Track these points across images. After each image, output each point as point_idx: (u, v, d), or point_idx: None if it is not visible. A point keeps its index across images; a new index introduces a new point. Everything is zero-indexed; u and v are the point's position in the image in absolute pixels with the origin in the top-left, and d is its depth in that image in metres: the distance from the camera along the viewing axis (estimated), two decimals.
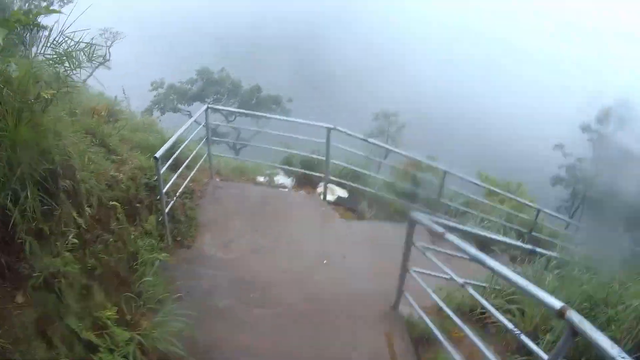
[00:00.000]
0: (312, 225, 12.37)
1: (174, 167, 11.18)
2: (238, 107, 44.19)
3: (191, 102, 43.87)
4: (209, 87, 44.80)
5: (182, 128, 11.26)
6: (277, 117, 15.23)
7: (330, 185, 13.80)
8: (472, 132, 77.12)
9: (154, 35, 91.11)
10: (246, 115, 42.93)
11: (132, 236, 8.48)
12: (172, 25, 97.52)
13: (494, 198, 16.52)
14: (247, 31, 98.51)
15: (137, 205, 9.85)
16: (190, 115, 41.21)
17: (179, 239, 10.96)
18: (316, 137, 13.53)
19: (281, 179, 15.09)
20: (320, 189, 14.25)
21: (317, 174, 14.15)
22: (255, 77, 49.31)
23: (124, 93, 30.93)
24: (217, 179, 14.14)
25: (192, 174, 12.29)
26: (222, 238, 11.31)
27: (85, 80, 31.75)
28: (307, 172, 14.39)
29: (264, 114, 13.25)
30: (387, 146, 11.77)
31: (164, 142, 10.48)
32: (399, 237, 8.47)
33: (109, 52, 39.63)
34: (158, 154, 9.31)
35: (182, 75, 46.28)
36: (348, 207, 13.83)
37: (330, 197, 13.90)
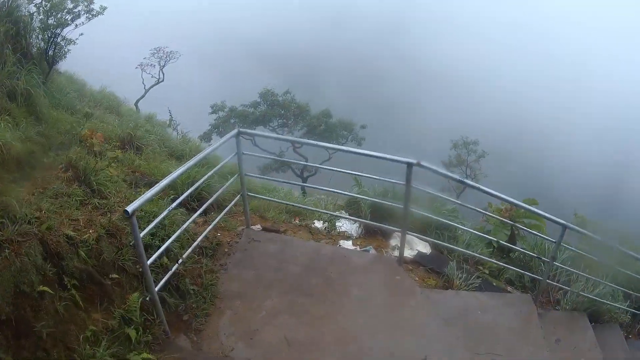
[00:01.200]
0: (380, 303, 8.73)
1: (195, 210, 8.93)
2: (306, 133, 42.62)
3: (253, 126, 40.33)
4: (272, 111, 41.61)
5: (195, 158, 7.69)
6: (338, 147, 10.95)
7: (408, 237, 10.09)
8: (553, 163, 74.69)
9: (210, 57, 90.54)
10: (305, 143, 40.56)
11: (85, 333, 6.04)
12: (230, 46, 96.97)
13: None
14: (308, 52, 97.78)
15: (108, 280, 6.90)
16: (253, 142, 38.74)
17: (185, 317, 7.81)
18: (390, 173, 10.00)
19: (344, 225, 11.86)
20: (394, 242, 11.03)
21: (391, 227, 10.61)
22: (319, 102, 46.44)
23: (170, 114, 28.21)
24: (258, 226, 10.89)
25: (216, 221, 9.27)
26: (247, 321, 7.92)
27: (138, 102, 28.40)
28: (377, 224, 10.79)
29: (317, 142, 10.59)
30: (490, 191, 7.63)
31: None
32: (505, 316, 7.96)
33: (163, 73, 37.53)
34: (133, 206, 5.77)
35: (243, 98, 43.18)
36: (430, 268, 10.32)
37: (408, 253, 10.45)
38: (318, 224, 11.78)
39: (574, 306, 9.90)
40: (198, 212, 8.34)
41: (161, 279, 7.07)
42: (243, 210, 10.35)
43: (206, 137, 40.04)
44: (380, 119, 63.28)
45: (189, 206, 9.91)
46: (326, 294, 8.51)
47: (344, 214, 12.07)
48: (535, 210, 8.82)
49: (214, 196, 9.04)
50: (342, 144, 41.79)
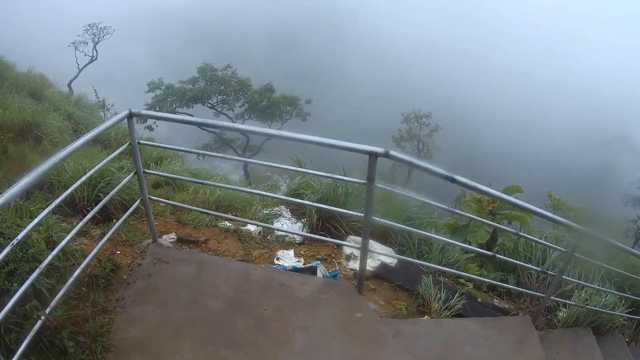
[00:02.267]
0: (337, 356, 6.20)
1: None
2: (247, 110, 40.60)
3: (191, 104, 38.05)
4: (211, 87, 38.84)
5: (69, 148, 4.91)
6: (273, 133, 8.21)
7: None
8: (512, 139, 74.45)
9: (147, 32, 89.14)
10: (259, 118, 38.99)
11: None
12: (168, 21, 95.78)
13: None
14: (250, 27, 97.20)
15: None
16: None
17: None
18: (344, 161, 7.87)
19: (284, 224, 9.68)
20: (349, 249, 8.73)
21: (345, 243, 8.23)
22: (262, 77, 44.03)
23: (96, 94, 25.95)
24: (171, 236, 8.53)
25: (105, 238, 6.59)
26: None
27: (71, 82, 25.97)
28: (326, 239, 8.61)
29: (241, 126, 8.69)
30: (487, 190, 5.16)
31: None
32: (501, 349, 6.70)
33: (96, 50, 35.85)
34: None
35: (182, 74, 40.52)
36: (399, 285, 8.04)
37: (369, 264, 8.00)
38: (251, 227, 9.41)
39: (574, 320, 8.33)
40: (78, 226, 5.73)
41: (24, 338, 4.73)
42: (148, 220, 7.69)
43: (142, 118, 36.61)
44: (322, 94, 61.16)
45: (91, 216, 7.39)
46: (259, 344, 5.95)
47: (284, 211, 10.20)
48: (545, 213, 6.38)
49: (100, 204, 6.33)
50: (287, 121, 40.62)
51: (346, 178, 7.15)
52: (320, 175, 7.59)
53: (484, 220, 8.23)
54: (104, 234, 7.15)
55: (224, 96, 39.22)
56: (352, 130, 76.74)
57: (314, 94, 42.84)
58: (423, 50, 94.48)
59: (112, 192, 6.63)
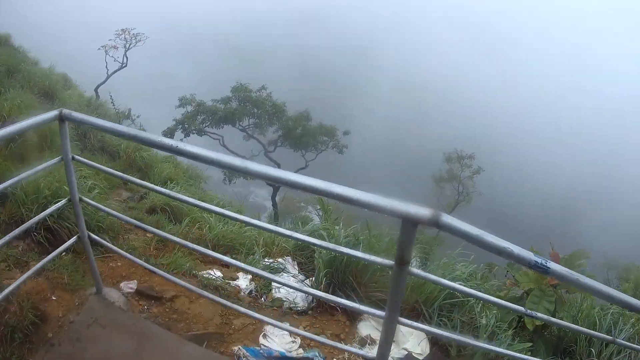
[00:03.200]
0: None
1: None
2: (281, 137, 38.44)
3: (221, 124, 35.95)
4: (244, 108, 36.47)
5: None
6: (281, 175, 5.27)
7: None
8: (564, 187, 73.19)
9: (184, 45, 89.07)
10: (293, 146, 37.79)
11: None
12: (207, 38, 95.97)
13: None
14: (282, 52, 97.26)
15: None
16: (221, 142, 34.89)
17: None
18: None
19: (289, 279, 7.76)
20: (365, 329, 6.83)
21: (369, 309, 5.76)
22: (300, 104, 42.21)
23: (112, 101, 24.39)
24: (129, 285, 6.70)
25: (16, 283, 4.76)
26: None
27: (98, 87, 24.11)
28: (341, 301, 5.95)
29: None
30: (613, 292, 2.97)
31: None
32: None
33: (126, 57, 34.06)
34: None
35: (217, 92, 38.69)
36: None
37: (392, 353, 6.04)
38: (242, 281, 7.55)
39: None
40: None
41: None
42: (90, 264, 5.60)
43: (169, 134, 35.54)
44: (355, 125, 59.59)
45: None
46: None
47: (290, 264, 8.22)
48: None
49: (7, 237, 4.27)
50: (322, 151, 38.45)
51: (361, 255, 4.52)
52: (320, 246, 5.37)
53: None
54: (43, 269, 5.78)
55: (257, 119, 36.99)
56: (387, 165, 75.84)
57: (346, 125, 40.79)
58: (460, 82, 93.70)
59: (29, 222, 4.66)
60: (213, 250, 8.02)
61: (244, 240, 9.18)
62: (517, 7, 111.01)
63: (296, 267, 8.25)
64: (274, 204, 37.77)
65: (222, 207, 11.14)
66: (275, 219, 34.35)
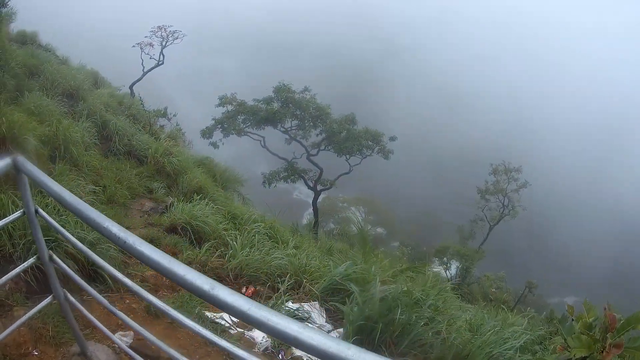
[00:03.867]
0: None
1: None
2: (324, 140, 37.39)
3: (263, 125, 35.49)
4: (286, 110, 35.61)
5: None
6: None
7: None
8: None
9: (225, 43, 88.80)
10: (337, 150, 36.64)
11: None
12: (248, 37, 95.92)
13: None
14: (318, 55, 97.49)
15: None
16: (262, 142, 34.65)
17: None
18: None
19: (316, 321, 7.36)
20: None
21: None
22: (345, 107, 41.24)
23: (141, 102, 23.45)
24: (126, 338, 5.75)
25: None
26: None
27: (133, 85, 23.20)
28: None
29: None
30: None
31: None
32: None
33: (163, 54, 33.90)
34: None
35: (259, 92, 37.66)
36: None
37: None
38: (258, 334, 6.63)
39: None
40: None
41: None
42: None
43: (207, 134, 35.19)
44: (404, 133, 58.78)
45: None
46: None
47: (316, 311, 7.46)
48: None
49: None
50: (367, 156, 37.38)
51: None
52: None
53: None
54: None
55: (300, 121, 36.22)
56: (429, 172, 75.34)
57: (388, 129, 39.63)
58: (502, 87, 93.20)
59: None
60: (234, 280, 8.07)
61: (271, 270, 8.50)
62: (565, 9, 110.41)
63: (324, 314, 7.39)
64: (315, 210, 37.01)
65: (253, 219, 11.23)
66: (315, 226, 33.45)
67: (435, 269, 50.61)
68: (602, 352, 5.47)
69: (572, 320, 6.16)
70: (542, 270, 67.17)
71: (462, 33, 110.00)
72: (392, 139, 37.86)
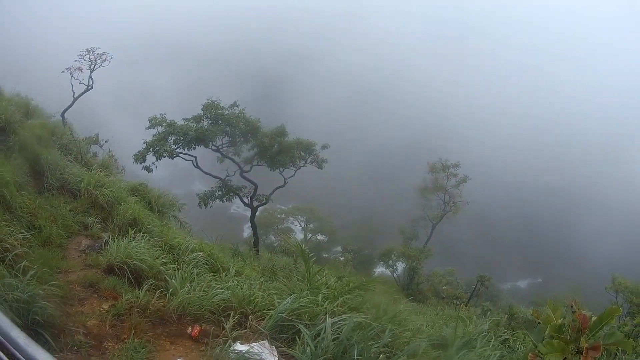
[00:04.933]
0: None
1: None
2: (256, 155, 36.84)
3: (193, 145, 34.55)
4: (216, 127, 34.73)
5: None
6: None
7: None
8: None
9: (158, 62, 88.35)
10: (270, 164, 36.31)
11: None
12: (178, 53, 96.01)
13: None
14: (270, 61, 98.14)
15: None
16: (194, 162, 34.10)
17: None
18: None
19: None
20: None
21: None
22: (280, 117, 41.09)
23: (70, 132, 22.82)
24: None
25: None
26: None
27: (64, 112, 22.29)
28: None
29: None
30: None
31: None
32: None
33: (92, 78, 33.18)
34: None
35: (191, 110, 37.05)
36: None
37: None
38: None
39: None
40: None
41: None
42: None
43: (140, 158, 33.85)
44: (334, 138, 59.03)
45: None
46: None
47: (265, 349, 7.05)
48: None
49: None
50: (301, 167, 37.26)
51: None
52: None
53: None
54: None
55: (231, 138, 35.60)
56: (367, 177, 75.72)
57: (320, 137, 39.34)
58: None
59: None
60: (178, 320, 7.79)
61: (214, 306, 8.21)
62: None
63: (275, 353, 7.02)
64: (253, 227, 36.50)
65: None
66: (255, 244, 33.13)
67: (380, 271, 51.15)
68: (578, 353, 5.39)
69: (539, 323, 6.05)
70: (491, 259, 68.13)
71: (372, 38, 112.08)
72: (325, 147, 37.60)
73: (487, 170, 69.21)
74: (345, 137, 74.85)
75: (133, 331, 6.97)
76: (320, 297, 7.87)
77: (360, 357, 6.36)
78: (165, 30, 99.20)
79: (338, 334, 6.76)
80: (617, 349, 7.04)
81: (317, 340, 6.67)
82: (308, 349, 6.51)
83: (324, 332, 6.71)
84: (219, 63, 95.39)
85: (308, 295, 7.92)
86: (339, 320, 6.98)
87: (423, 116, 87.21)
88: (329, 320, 6.84)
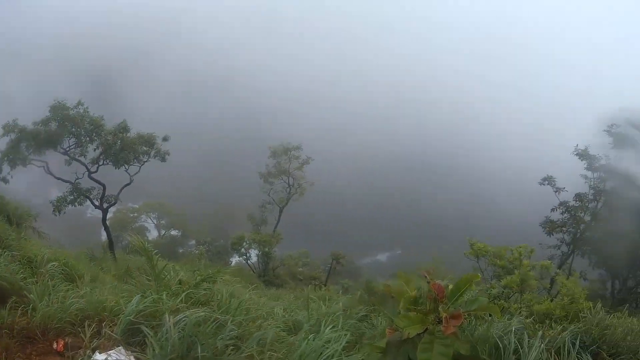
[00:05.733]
0: None
1: None
2: (102, 154, 35.92)
3: (42, 149, 33.51)
4: (62, 129, 33.79)
5: None
6: None
7: None
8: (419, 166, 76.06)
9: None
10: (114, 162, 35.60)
11: None
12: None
13: None
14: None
15: None
16: (46, 168, 33.30)
17: None
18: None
19: None
20: None
21: None
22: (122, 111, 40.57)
23: None
24: None
25: None
26: None
27: None
28: None
29: None
30: None
31: None
32: None
33: None
34: None
35: (33, 111, 36.25)
36: None
37: None
38: None
39: None
40: None
41: None
42: None
43: None
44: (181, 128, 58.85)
45: None
46: None
47: (122, 356, 6.83)
48: None
49: None
50: (145, 162, 37.17)
51: None
52: None
53: None
54: None
55: (77, 138, 34.71)
56: (217, 168, 75.65)
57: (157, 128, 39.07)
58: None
59: None
60: (43, 336, 7.40)
61: (73, 317, 7.92)
62: None
63: (132, 359, 6.89)
64: (106, 229, 36.27)
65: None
66: (110, 246, 32.94)
67: (237, 260, 51.22)
68: (439, 323, 5.51)
69: (392, 297, 6.31)
70: (347, 236, 69.17)
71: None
72: (165, 139, 37.63)
73: (330, 149, 70.07)
74: (185, 130, 74.65)
75: (4, 354, 6.83)
76: (164, 296, 7.84)
77: (205, 354, 6.38)
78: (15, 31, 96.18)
79: (182, 331, 6.64)
80: (486, 314, 7.42)
81: (162, 340, 6.56)
82: (155, 351, 6.45)
83: (167, 331, 6.57)
84: (58, 61, 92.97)
85: (152, 295, 7.91)
86: (183, 317, 6.83)
87: (257, 104, 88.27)
88: (169, 318, 6.68)
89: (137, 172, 36.81)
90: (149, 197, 68.07)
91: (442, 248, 58.00)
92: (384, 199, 74.72)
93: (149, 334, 6.65)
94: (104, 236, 38.55)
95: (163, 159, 37.16)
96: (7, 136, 33.56)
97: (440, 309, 5.53)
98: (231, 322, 7.16)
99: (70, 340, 7.37)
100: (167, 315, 6.75)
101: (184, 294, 8.12)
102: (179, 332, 6.56)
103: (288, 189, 47.47)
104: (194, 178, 66.49)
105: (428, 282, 5.72)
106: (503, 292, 16.86)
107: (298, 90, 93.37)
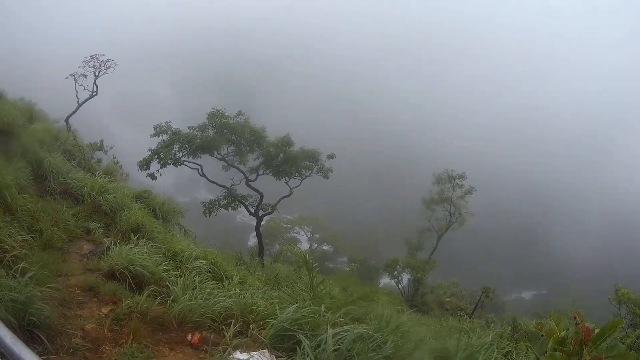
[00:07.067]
0: None
1: None
2: (262, 164, 36.37)
3: (197, 154, 34.28)
4: (221, 136, 34.56)
5: None
6: None
7: None
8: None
9: (163, 69, 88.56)
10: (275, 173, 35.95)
11: None
12: (186, 59, 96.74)
13: None
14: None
15: None
16: (200, 171, 33.77)
17: None
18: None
19: None
20: None
21: None
22: (280, 124, 40.80)
23: (74, 137, 22.63)
24: None
25: None
26: None
27: (68, 118, 21.95)
28: None
29: None
30: None
31: None
32: None
33: (96, 85, 31.44)
34: None
35: (197, 118, 36.73)
36: None
37: None
38: None
39: None
40: None
41: None
42: None
43: (144, 165, 33.46)
44: (347, 145, 59.02)
45: None
46: None
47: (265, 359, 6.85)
48: None
49: None
50: (307, 177, 37.05)
51: None
52: None
53: None
54: None
55: (236, 147, 35.44)
56: (372, 187, 75.55)
57: (326, 147, 38.99)
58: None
59: None
60: (178, 327, 7.64)
61: (215, 314, 8.08)
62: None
63: None
64: (259, 236, 36.07)
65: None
66: (260, 253, 32.81)
67: (386, 282, 50.89)
68: None
69: (542, 336, 6.02)
70: (494, 270, 68.09)
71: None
72: (330, 156, 37.29)
73: (489, 180, 69.20)
74: (345, 146, 74.84)
75: (132, 336, 6.83)
76: (322, 308, 7.68)
77: None
78: (164, 37, 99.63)
79: (339, 345, 6.64)
80: None
81: (317, 350, 6.55)
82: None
83: (325, 343, 6.59)
84: (210, 72, 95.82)
85: (310, 306, 7.76)
86: (341, 331, 6.83)
87: (416, 124, 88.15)
88: (330, 331, 6.71)
89: (297, 186, 36.92)
90: (305, 210, 68.69)
91: (587, 290, 56.93)
92: (535, 237, 73.06)
93: (307, 342, 6.69)
94: (251, 242, 38.84)
95: (326, 176, 37.12)
96: (158, 136, 34.40)
97: (584, 351, 5.38)
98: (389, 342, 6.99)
99: (208, 335, 7.54)
100: (328, 327, 6.84)
101: (344, 309, 7.96)
102: (335, 345, 6.58)
103: (449, 217, 46.59)
104: (353, 195, 66.54)
105: (576, 324, 5.58)
106: (636, 341, 16.27)
107: (465, 121, 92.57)
